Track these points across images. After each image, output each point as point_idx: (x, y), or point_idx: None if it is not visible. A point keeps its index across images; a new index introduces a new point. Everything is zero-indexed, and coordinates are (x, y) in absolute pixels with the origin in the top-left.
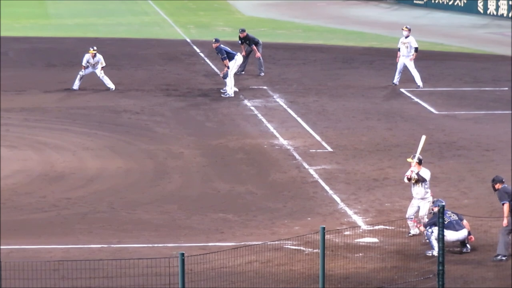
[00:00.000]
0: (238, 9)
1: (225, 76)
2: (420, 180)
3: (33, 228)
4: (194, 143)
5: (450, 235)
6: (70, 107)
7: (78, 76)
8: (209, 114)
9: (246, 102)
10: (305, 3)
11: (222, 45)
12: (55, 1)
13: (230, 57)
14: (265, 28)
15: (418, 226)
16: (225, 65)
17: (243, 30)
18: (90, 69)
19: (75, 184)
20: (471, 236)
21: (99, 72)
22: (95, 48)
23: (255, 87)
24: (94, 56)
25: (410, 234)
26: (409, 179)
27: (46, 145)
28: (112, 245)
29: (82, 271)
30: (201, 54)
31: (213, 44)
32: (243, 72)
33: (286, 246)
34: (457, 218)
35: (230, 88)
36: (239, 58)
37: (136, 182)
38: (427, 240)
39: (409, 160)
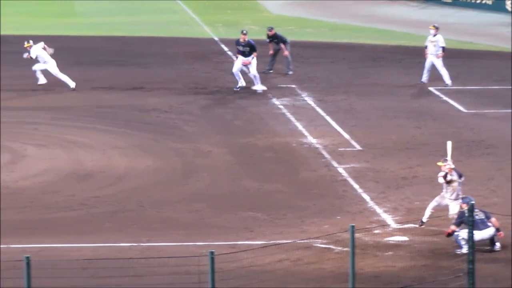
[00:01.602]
0: (266, 7)
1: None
2: (453, 181)
3: (62, 226)
4: (223, 142)
5: (474, 235)
6: (98, 106)
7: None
8: (237, 112)
9: (274, 100)
10: (332, 2)
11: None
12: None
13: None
14: (293, 27)
15: (448, 231)
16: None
17: (271, 29)
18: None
19: (104, 182)
20: (501, 232)
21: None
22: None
23: (284, 85)
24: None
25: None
26: (445, 178)
27: (75, 143)
28: (141, 244)
29: (111, 269)
30: (229, 53)
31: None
32: (271, 71)
33: (316, 245)
34: (483, 217)
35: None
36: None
37: (164, 180)
38: (456, 239)
39: (439, 164)
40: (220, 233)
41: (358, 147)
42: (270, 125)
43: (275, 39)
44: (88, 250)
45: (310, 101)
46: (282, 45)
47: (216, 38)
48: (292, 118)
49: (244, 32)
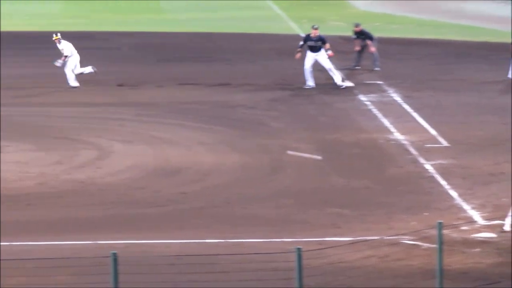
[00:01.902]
0: (352, 3)
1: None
2: None
3: (149, 222)
4: (309, 138)
5: None
6: (183, 102)
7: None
8: (324, 108)
9: (361, 96)
10: None
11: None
12: None
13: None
14: (379, 23)
15: None
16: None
17: (358, 25)
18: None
19: (191, 178)
20: None
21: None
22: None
23: (370, 82)
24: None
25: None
26: None
27: (161, 139)
28: (228, 240)
29: (198, 265)
30: None
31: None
32: (358, 67)
33: (403, 241)
34: None
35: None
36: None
37: (251, 176)
38: None
39: None
40: (307, 229)
41: (445, 143)
42: (357, 121)
43: (362, 35)
44: (175, 246)
45: (396, 97)
46: (368, 42)
47: (302, 35)
48: (379, 114)
49: (315, 27)
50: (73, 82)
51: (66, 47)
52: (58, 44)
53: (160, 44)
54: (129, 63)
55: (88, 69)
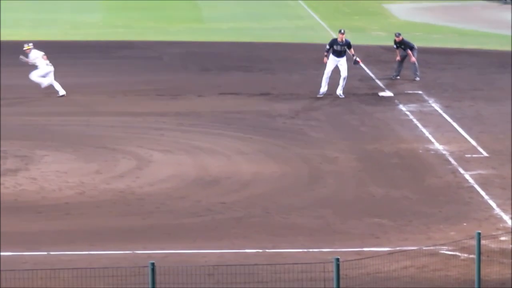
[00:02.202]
0: (392, 13)
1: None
2: None
3: (187, 232)
4: (349, 148)
5: None
6: (225, 112)
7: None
8: (364, 118)
9: (401, 106)
10: (460, 7)
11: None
12: (209, 2)
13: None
14: (420, 33)
15: None
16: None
17: (398, 34)
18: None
19: (230, 188)
20: None
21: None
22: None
23: (410, 91)
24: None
25: None
26: None
27: (201, 149)
28: (267, 250)
29: (236, 276)
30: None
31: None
32: (398, 77)
33: (442, 252)
34: None
35: None
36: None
37: (290, 186)
38: None
39: None
40: (345, 239)
41: (485, 153)
42: (397, 131)
43: (402, 45)
44: (214, 256)
45: (437, 107)
46: (409, 51)
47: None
48: (419, 124)
49: (342, 31)
50: (61, 90)
51: (35, 56)
52: (29, 54)
53: (201, 53)
54: (170, 73)
55: (47, 82)
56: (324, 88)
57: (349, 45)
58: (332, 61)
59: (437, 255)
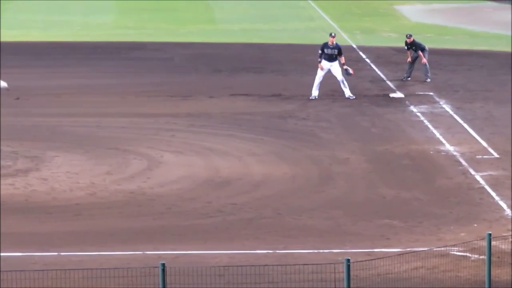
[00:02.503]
0: (403, 14)
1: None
2: None
3: (198, 233)
4: (360, 149)
5: None
6: (235, 113)
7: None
8: (374, 120)
9: (412, 108)
10: (471, 9)
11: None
12: (221, 3)
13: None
14: (431, 34)
15: None
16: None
17: (410, 36)
18: None
19: (241, 189)
20: None
21: None
22: None
23: (421, 93)
24: None
25: None
26: None
27: (212, 150)
28: (277, 251)
29: (247, 276)
30: (367, 60)
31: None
32: (409, 78)
33: (452, 253)
34: None
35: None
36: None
37: (301, 187)
38: None
39: None
40: (356, 241)
41: (495, 154)
42: (407, 132)
43: (413, 46)
44: (224, 257)
45: (448, 108)
46: (420, 53)
47: (354, 45)
48: (430, 126)
49: (333, 34)
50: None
51: None
52: None
53: (212, 54)
54: (182, 74)
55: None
56: (315, 92)
57: (339, 51)
58: (324, 66)
59: (447, 256)
